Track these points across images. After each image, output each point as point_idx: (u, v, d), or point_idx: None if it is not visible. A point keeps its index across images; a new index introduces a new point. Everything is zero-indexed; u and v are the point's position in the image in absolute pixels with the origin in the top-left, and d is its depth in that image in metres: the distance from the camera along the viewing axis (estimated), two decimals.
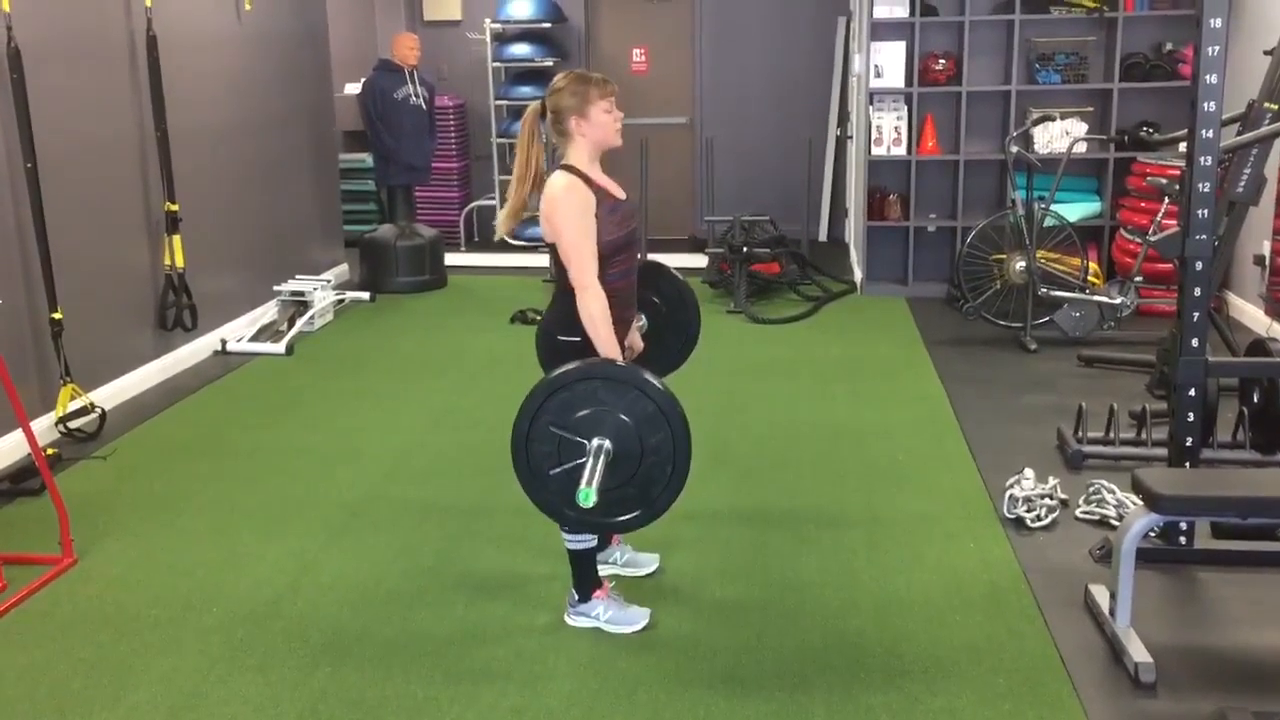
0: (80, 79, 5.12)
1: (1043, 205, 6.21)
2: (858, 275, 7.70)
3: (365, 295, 7.33)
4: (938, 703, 2.90)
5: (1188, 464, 3.57)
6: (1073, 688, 2.95)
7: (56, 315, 4.84)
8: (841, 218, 9.25)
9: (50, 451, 4.58)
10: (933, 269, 7.44)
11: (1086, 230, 6.92)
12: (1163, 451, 4.02)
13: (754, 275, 7.28)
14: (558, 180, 3.10)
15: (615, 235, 3.11)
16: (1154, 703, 2.90)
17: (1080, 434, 4.48)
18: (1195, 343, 3.48)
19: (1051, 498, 4.01)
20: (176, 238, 5.75)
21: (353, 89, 8.61)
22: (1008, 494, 4.01)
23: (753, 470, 4.48)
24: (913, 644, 3.17)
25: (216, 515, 4.13)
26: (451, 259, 8.28)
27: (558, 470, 2.93)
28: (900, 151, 7.28)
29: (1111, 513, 3.93)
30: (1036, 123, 6.72)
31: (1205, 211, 3.41)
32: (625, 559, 3.61)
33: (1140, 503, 3.11)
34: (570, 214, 3.05)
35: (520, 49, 9.09)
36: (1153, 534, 3.55)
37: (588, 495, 2.82)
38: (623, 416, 2.90)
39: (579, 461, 2.90)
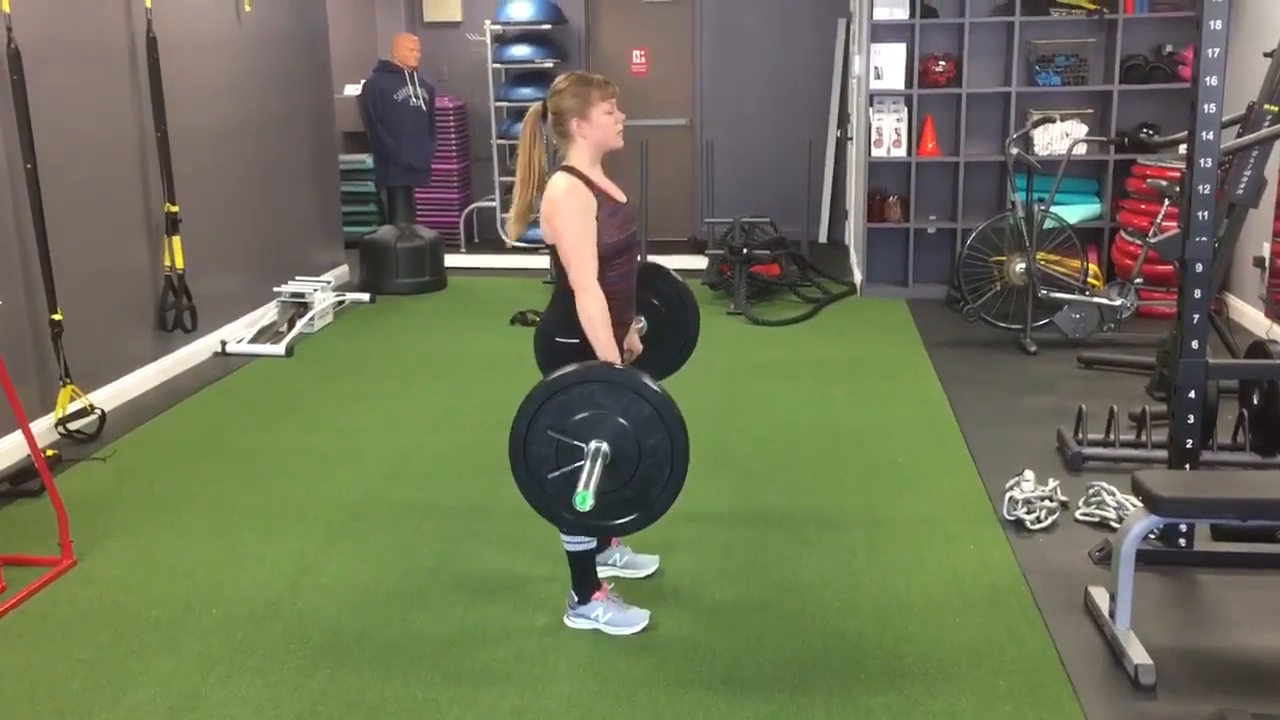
0: (80, 80, 5.12)
1: (1043, 207, 6.21)
2: (858, 277, 7.70)
3: (365, 297, 7.33)
4: (937, 704, 2.90)
5: (1188, 466, 3.57)
6: (1072, 690, 2.95)
7: (56, 316, 4.84)
8: (841, 219, 9.25)
9: (50, 453, 4.58)
10: (933, 271, 7.44)
11: (1086, 232, 6.92)
12: (1163, 454, 4.02)
13: (754, 277, 7.28)
14: (558, 182, 3.10)
15: (615, 238, 3.11)
16: (1154, 705, 2.90)
17: (1080, 436, 4.48)
18: (1195, 345, 3.48)
19: (1051, 500, 4.01)
20: (176, 239, 5.75)
21: (353, 90, 8.61)
22: (1008, 496, 4.01)
23: (753, 472, 4.48)
24: (913, 646, 3.17)
25: (216, 516, 4.13)
26: (451, 260, 8.27)
27: (556, 474, 2.93)
28: (900, 153, 7.28)
29: (1111, 515, 3.92)
30: (1036, 124, 6.73)
31: (1205, 213, 3.41)
32: (625, 560, 3.61)
33: (1140, 505, 3.11)
34: (571, 216, 3.05)
35: (520, 50, 9.09)
36: (1153, 536, 3.55)
37: (585, 498, 2.82)
38: (620, 419, 2.90)
39: (577, 465, 2.90)
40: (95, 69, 5.25)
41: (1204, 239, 3.43)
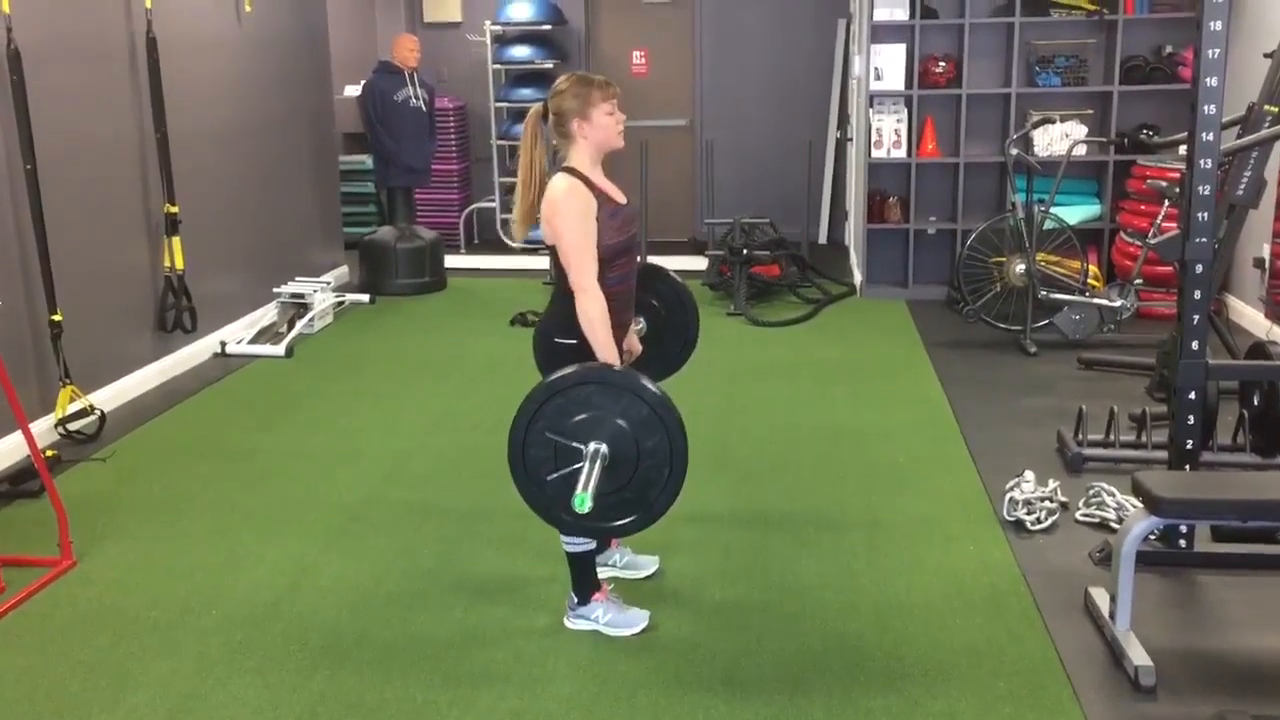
0: (80, 80, 5.12)
1: (1042, 208, 6.21)
2: (858, 278, 7.70)
3: (365, 297, 7.33)
4: (938, 706, 2.89)
5: (1188, 467, 3.56)
6: (1073, 691, 2.95)
7: (56, 317, 4.84)
8: (841, 220, 9.25)
9: (49, 453, 4.58)
10: (933, 272, 7.44)
11: (1086, 233, 6.92)
12: (1163, 454, 4.02)
13: (754, 278, 7.28)
14: (559, 183, 3.10)
15: (615, 240, 3.11)
16: (1154, 706, 2.90)
17: (1080, 437, 4.48)
18: (1195, 346, 3.48)
19: (1051, 500, 4.00)
20: (176, 239, 5.75)
21: (353, 91, 8.61)
22: (1008, 497, 4.00)
23: (753, 473, 4.48)
24: (913, 647, 3.17)
25: (216, 517, 4.12)
26: (451, 261, 8.27)
27: (554, 476, 2.93)
28: (900, 154, 7.28)
29: (1111, 515, 3.92)
30: (1036, 125, 6.72)
31: (1205, 214, 3.41)
32: (625, 561, 3.61)
33: (1140, 506, 3.11)
34: (571, 217, 3.05)
35: (520, 51, 9.09)
36: (1153, 537, 3.55)
37: (583, 500, 2.81)
38: (618, 421, 2.90)
39: (575, 467, 2.89)
40: (95, 69, 5.25)
41: (1204, 240, 3.43)
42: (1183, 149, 3.73)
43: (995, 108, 7.22)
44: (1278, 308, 5.94)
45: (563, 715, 2.89)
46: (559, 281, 3.16)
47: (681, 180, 9.52)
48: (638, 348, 3.46)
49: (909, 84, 7.21)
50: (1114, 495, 3.98)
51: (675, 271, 3.73)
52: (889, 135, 7.26)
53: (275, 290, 6.83)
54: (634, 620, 3.27)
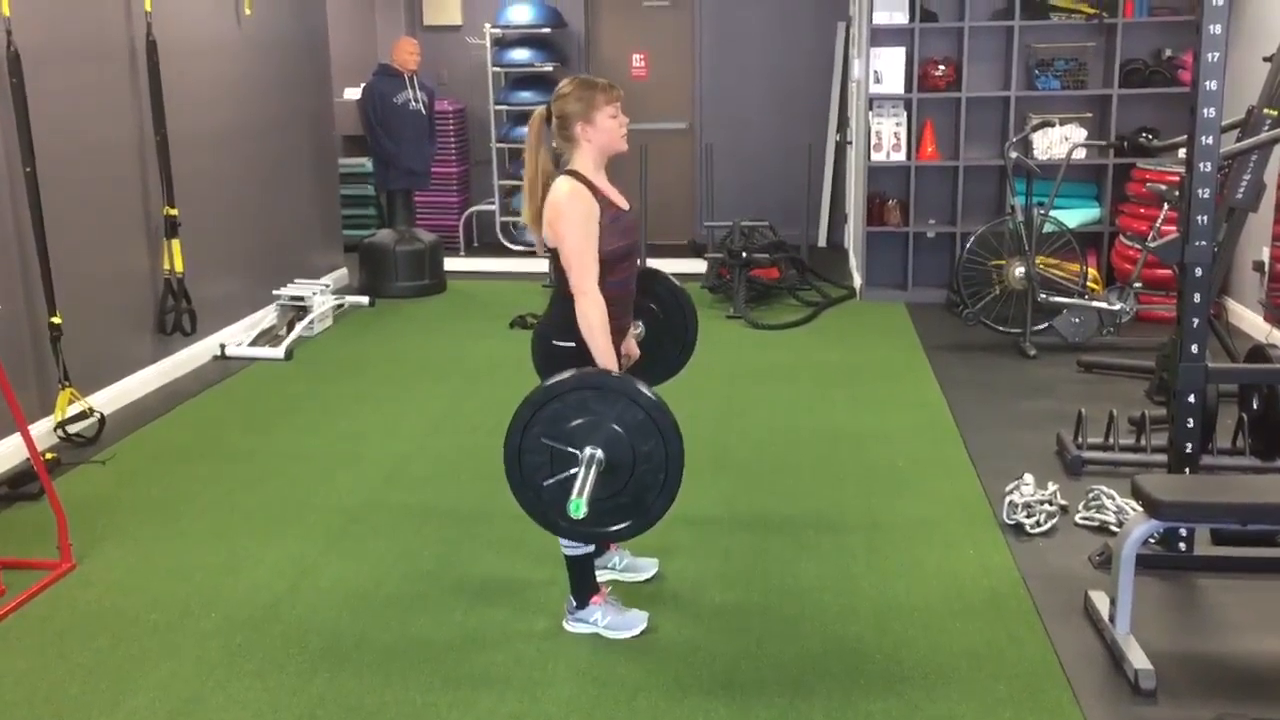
0: (80, 83, 5.13)
1: (1042, 211, 6.22)
2: (857, 281, 7.70)
3: (364, 300, 7.34)
4: (938, 709, 2.89)
5: (1187, 470, 3.56)
6: (1073, 694, 2.95)
7: (55, 319, 4.84)
8: (841, 223, 9.25)
9: (49, 456, 4.58)
10: (932, 274, 7.44)
11: (1086, 236, 6.92)
12: (1162, 458, 4.02)
13: (753, 280, 7.28)
14: (562, 186, 3.09)
15: (616, 245, 3.11)
16: (1154, 709, 2.90)
17: (1080, 440, 4.48)
18: (1195, 349, 3.48)
19: (1051, 503, 4.00)
20: (176, 242, 5.75)
21: (352, 94, 8.61)
22: (1007, 500, 4.00)
23: (752, 475, 4.48)
24: (912, 650, 3.17)
25: (215, 520, 4.12)
26: (451, 264, 8.27)
27: (551, 481, 2.93)
28: (900, 157, 7.28)
29: (1111, 519, 3.92)
30: (1036, 128, 6.72)
31: (1205, 217, 3.42)
32: (624, 564, 3.60)
33: (1140, 509, 3.11)
34: (573, 220, 3.05)
35: (520, 54, 9.09)
36: (1152, 540, 3.55)
37: (578, 506, 2.81)
38: (614, 426, 2.90)
39: (571, 472, 2.89)
40: (95, 72, 5.25)
41: (1203, 243, 3.43)
42: (1182, 152, 3.74)
43: (995, 111, 7.22)
44: (1277, 311, 5.95)
45: (562, 718, 2.88)
46: (558, 284, 3.16)
47: (681, 183, 9.52)
48: (636, 352, 3.46)
49: (908, 87, 7.21)
50: (1114, 498, 3.98)
51: (674, 274, 3.73)
52: (888, 138, 7.26)
53: (275, 293, 6.83)
54: (633, 623, 3.27)
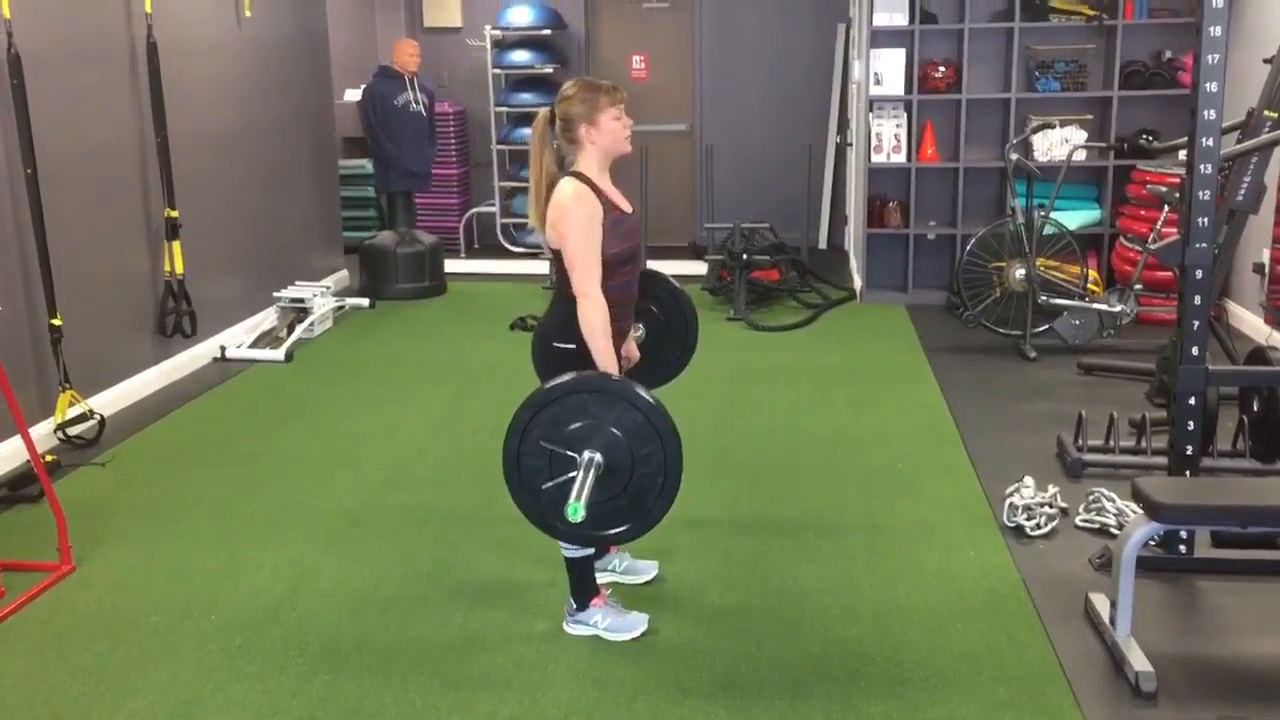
0: (80, 84, 5.13)
1: (1042, 213, 6.22)
2: (857, 282, 7.70)
3: (365, 302, 7.34)
4: (938, 712, 2.89)
5: (1188, 472, 3.56)
6: (1073, 697, 2.95)
7: (56, 321, 4.84)
8: (841, 225, 9.26)
9: (49, 458, 4.58)
10: (932, 276, 7.44)
11: (1086, 238, 6.92)
12: (1163, 460, 4.02)
13: (754, 282, 7.28)
14: (566, 188, 3.09)
15: (619, 248, 3.11)
16: (1155, 712, 2.89)
17: (1080, 442, 4.48)
18: (1195, 351, 3.48)
19: (1051, 506, 4.00)
20: (176, 244, 5.75)
21: (353, 95, 8.61)
22: (1007, 502, 4.00)
23: (752, 477, 4.48)
24: (913, 652, 3.17)
25: (215, 522, 4.12)
26: (451, 265, 8.27)
27: (550, 485, 2.93)
28: (900, 159, 7.28)
29: (1111, 521, 3.92)
30: (1036, 130, 6.72)
31: (1205, 219, 3.41)
32: (624, 566, 3.60)
33: (1140, 511, 3.11)
34: (578, 222, 3.05)
35: (520, 55, 9.09)
36: (1153, 543, 3.54)
37: (576, 510, 2.81)
38: (613, 429, 2.90)
39: (570, 475, 2.89)
40: (96, 74, 5.25)
41: (1204, 245, 3.43)
42: (1182, 154, 3.74)
43: (995, 113, 7.22)
44: (1277, 313, 5.94)
45: None
46: (559, 286, 3.16)
47: (681, 185, 9.52)
48: (636, 354, 3.46)
49: (909, 89, 7.21)
50: (1114, 501, 3.98)
51: (674, 276, 3.72)
52: (889, 140, 7.26)
53: (275, 295, 6.83)
54: (633, 625, 3.27)
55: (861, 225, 7.58)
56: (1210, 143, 3.37)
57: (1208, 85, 3.32)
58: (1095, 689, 2.99)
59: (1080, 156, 6.76)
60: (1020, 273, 6.19)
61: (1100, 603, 3.28)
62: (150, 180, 5.65)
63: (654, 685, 3.03)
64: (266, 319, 6.73)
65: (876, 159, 7.30)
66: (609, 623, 3.26)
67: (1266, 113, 4.97)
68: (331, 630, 3.33)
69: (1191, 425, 3.53)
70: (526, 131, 8.93)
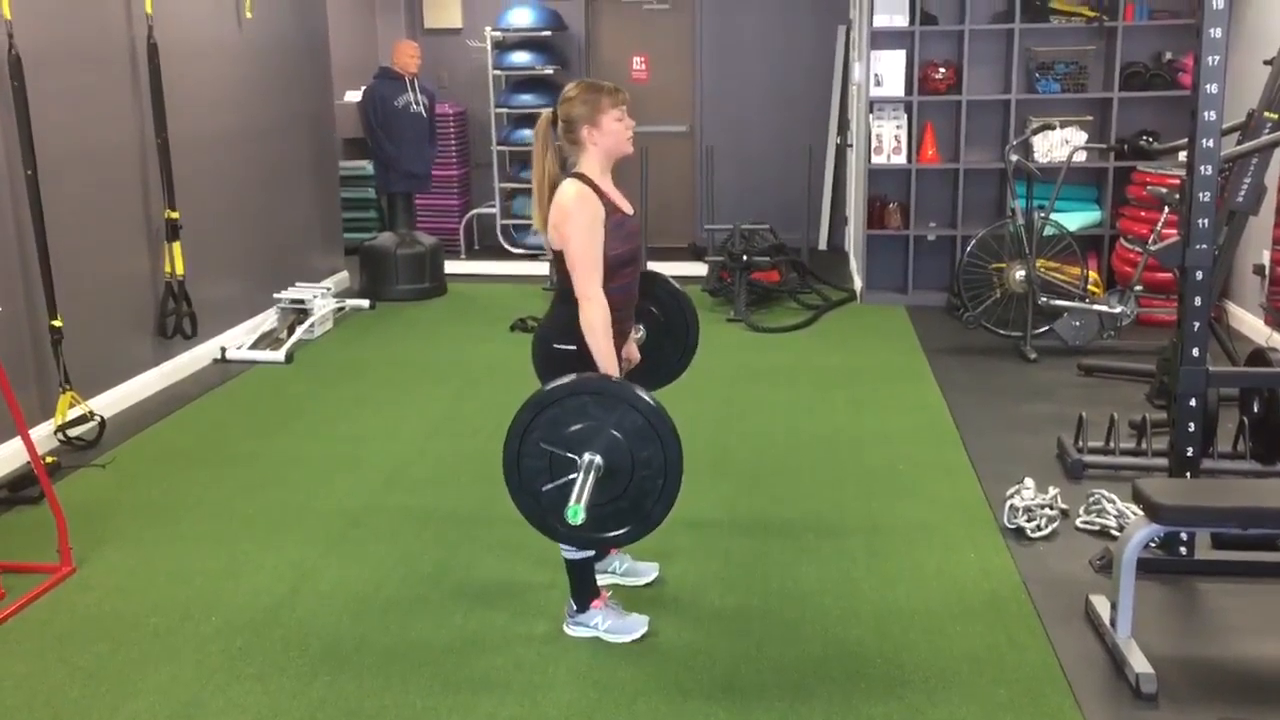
0: (81, 86, 5.13)
1: (1042, 214, 6.22)
2: (857, 284, 7.70)
3: (365, 303, 7.34)
4: (939, 713, 2.89)
5: (1188, 474, 3.56)
6: (1074, 699, 2.95)
7: (56, 323, 4.84)
8: (841, 226, 9.26)
9: (49, 459, 4.58)
10: (932, 278, 7.44)
11: (1086, 239, 6.92)
12: (1163, 461, 4.01)
13: (754, 284, 7.28)
14: (569, 189, 3.09)
15: (620, 250, 3.11)
16: (1155, 714, 2.89)
17: (1080, 444, 4.48)
18: (1196, 352, 3.48)
19: (1052, 507, 4.00)
20: (176, 245, 5.75)
21: (353, 96, 8.61)
22: (1008, 503, 4.00)
23: (752, 478, 4.48)
24: (913, 654, 3.17)
25: (216, 523, 4.12)
26: (451, 267, 8.27)
27: (550, 486, 2.93)
28: (900, 160, 7.28)
29: (1112, 523, 3.92)
30: (1036, 131, 6.73)
31: (1205, 221, 3.41)
32: (624, 568, 3.60)
33: (1141, 513, 3.11)
34: (580, 223, 3.05)
35: (521, 57, 9.10)
36: (1153, 544, 3.54)
37: (576, 512, 2.81)
38: (613, 431, 2.90)
39: (570, 477, 2.89)
40: (96, 75, 5.25)
41: (1204, 246, 3.43)
42: (1183, 155, 3.73)
43: (995, 114, 7.22)
44: (1278, 314, 5.94)
45: None
46: (560, 287, 3.16)
47: (681, 186, 9.53)
48: (636, 356, 3.46)
49: (909, 90, 7.21)
50: (1114, 502, 3.98)
51: (675, 277, 3.72)
52: (889, 141, 7.26)
53: (275, 296, 6.83)
54: (633, 627, 3.27)
55: (862, 226, 7.58)
56: (1210, 144, 3.37)
57: (1208, 87, 3.32)
58: (1096, 691, 2.99)
59: (1080, 158, 6.76)
60: (1020, 274, 6.19)
61: (1101, 604, 3.28)
62: (151, 181, 5.65)
63: (654, 687, 3.03)
64: (267, 320, 6.73)
65: (877, 160, 7.30)
66: (609, 624, 3.26)
67: (1266, 114, 4.96)
68: (332, 632, 3.33)
69: (1192, 427, 3.53)
70: (527, 133, 9.02)
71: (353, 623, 3.38)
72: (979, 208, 7.34)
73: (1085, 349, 6.08)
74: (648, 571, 3.62)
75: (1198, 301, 3.46)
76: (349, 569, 3.73)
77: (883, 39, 7.20)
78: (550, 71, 9.03)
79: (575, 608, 3.29)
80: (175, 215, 5.72)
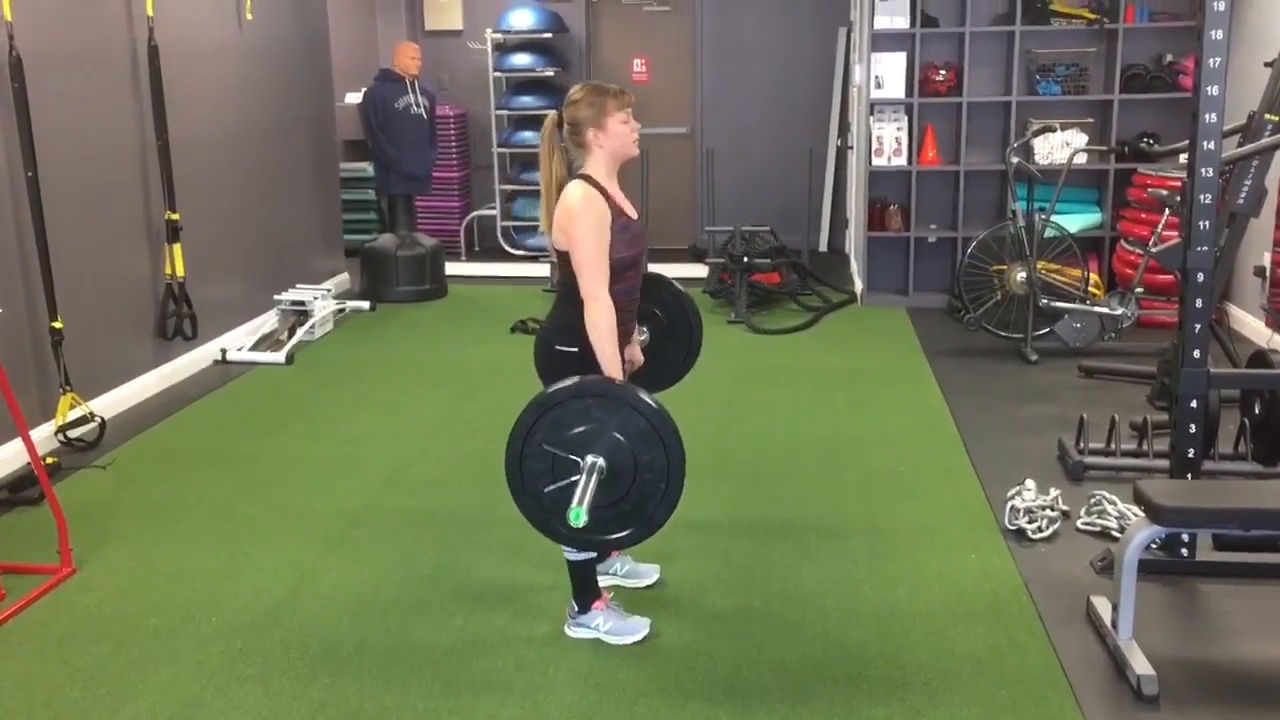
0: (82, 87, 5.13)
1: (1043, 216, 6.21)
2: (858, 285, 7.70)
3: (365, 305, 7.33)
4: (939, 715, 2.89)
5: (1189, 476, 3.56)
6: (1075, 700, 2.94)
7: (56, 324, 4.84)
8: (842, 228, 9.26)
9: (49, 460, 4.58)
10: (933, 280, 7.44)
11: (1087, 241, 6.92)
12: (1164, 463, 4.01)
13: (755, 285, 7.28)
14: (575, 191, 3.09)
15: (625, 253, 3.11)
16: (1156, 715, 2.89)
17: (1081, 445, 4.48)
18: (1197, 354, 3.48)
19: (1053, 509, 4.00)
20: (177, 246, 5.75)
21: (354, 98, 8.62)
22: (1009, 505, 4.00)
23: (753, 480, 4.47)
24: (914, 655, 3.17)
25: (216, 524, 4.12)
26: (452, 268, 8.27)
27: (552, 488, 2.93)
28: (901, 162, 7.29)
29: (1113, 524, 3.92)
30: (1037, 134, 6.73)
31: (1206, 223, 3.41)
32: (626, 570, 3.60)
33: (1142, 514, 3.10)
34: (587, 225, 3.04)
35: (521, 59, 9.10)
36: (1154, 546, 3.54)
37: (579, 514, 2.81)
38: (616, 434, 2.89)
39: (573, 479, 2.89)
40: (97, 76, 5.26)
41: (1205, 248, 3.43)
42: (1183, 157, 3.73)
43: (996, 116, 7.22)
44: (1278, 316, 5.94)
45: None
46: (562, 288, 3.16)
47: (682, 188, 9.53)
48: (639, 358, 3.46)
49: (909, 92, 7.21)
50: (1115, 504, 3.97)
51: (675, 279, 3.73)
52: (889, 143, 7.26)
53: (276, 297, 6.83)
54: (635, 628, 3.26)
55: (862, 228, 7.58)
56: (1211, 146, 3.37)
57: (1209, 89, 3.32)
58: (1097, 692, 2.98)
59: (1081, 160, 6.76)
60: (1021, 276, 6.19)
61: (1102, 606, 3.28)
62: (151, 183, 5.65)
63: (655, 688, 3.03)
64: (267, 321, 6.73)
65: (877, 162, 7.30)
66: (610, 626, 3.25)
67: (1267, 116, 4.96)
68: (332, 633, 3.33)
69: (1193, 428, 3.53)
70: (527, 135, 9.03)
71: (353, 624, 3.38)
72: (980, 210, 7.34)
73: (1086, 351, 6.07)
74: (648, 574, 3.61)
75: (1199, 303, 3.46)
76: (349, 570, 3.73)
77: (883, 41, 7.20)
78: (551, 73, 9.03)
79: (576, 609, 3.28)
80: (176, 217, 5.72)
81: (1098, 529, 3.93)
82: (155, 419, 5.32)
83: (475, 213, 9.39)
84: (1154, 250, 5.73)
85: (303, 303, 6.80)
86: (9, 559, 3.76)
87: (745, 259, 7.18)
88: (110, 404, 5.28)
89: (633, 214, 3.21)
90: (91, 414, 4.99)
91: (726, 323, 6.92)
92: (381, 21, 9.60)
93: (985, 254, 6.49)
